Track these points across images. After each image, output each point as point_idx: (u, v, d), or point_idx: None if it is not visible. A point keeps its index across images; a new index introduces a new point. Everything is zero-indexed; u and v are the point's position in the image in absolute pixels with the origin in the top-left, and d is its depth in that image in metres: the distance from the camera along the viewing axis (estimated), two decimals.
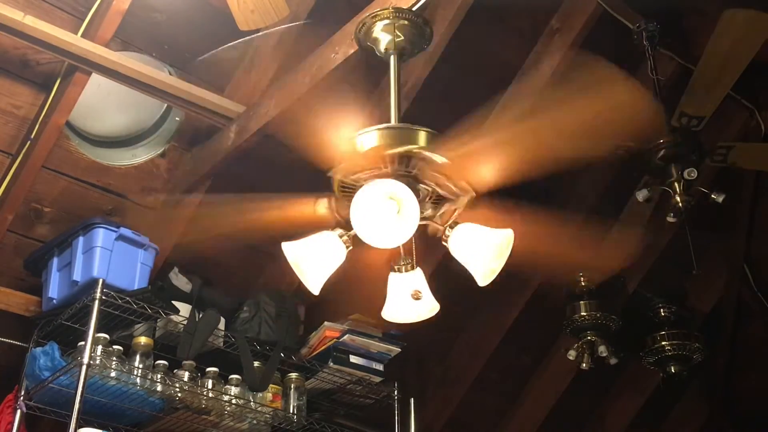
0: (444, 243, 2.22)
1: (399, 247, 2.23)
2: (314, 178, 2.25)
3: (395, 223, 2.07)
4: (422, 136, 2.16)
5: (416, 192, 2.13)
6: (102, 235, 3.04)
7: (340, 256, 2.23)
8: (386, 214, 2.06)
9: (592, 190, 4.02)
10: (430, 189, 2.19)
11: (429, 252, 2.32)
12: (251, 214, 2.33)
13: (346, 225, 2.19)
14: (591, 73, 2.00)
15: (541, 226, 2.29)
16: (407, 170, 2.15)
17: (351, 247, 2.24)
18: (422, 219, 2.17)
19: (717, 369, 4.77)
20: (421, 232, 2.22)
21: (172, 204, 3.41)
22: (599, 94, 1.97)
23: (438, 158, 2.14)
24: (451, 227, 2.21)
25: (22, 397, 2.99)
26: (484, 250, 2.17)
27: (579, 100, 1.99)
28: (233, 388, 3.19)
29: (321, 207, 2.27)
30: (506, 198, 2.23)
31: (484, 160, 2.14)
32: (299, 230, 2.26)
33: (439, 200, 2.23)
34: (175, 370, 3.10)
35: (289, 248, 2.25)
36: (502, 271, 2.18)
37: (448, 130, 2.15)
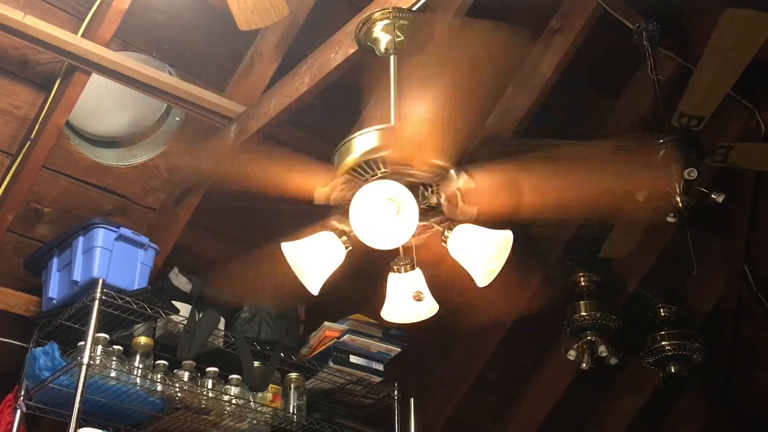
0: (443, 244, 2.22)
1: (398, 247, 2.24)
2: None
3: (395, 224, 2.07)
4: (386, 134, 2.18)
5: (414, 189, 2.14)
6: (102, 235, 3.04)
7: (339, 257, 2.24)
8: (386, 215, 2.06)
9: None
10: (436, 201, 2.21)
11: (428, 252, 2.32)
12: (278, 265, 2.33)
13: (342, 207, 2.20)
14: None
15: (556, 170, 2.28)
16: (383, 172, 2.16)
17: (350, 248, 2.24)
18: (427, 212, 2.19)
19: (717, 369, 4.77)
20: (421, 232, 2.23)
21: (172, 204, 3.41)
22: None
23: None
24: (450, 228, 2.21)
25: (22, 397, 2.99)
26: (483, 250, 2.17)
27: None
28: (233, 388, 3.19)
29: (335, 226, 2.27)
30: None
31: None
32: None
33: (437, 189, 2.24)
34: (175, 370, 3.10)
35: (288, 248, 2.25)
36: (502, 270, 2.18)
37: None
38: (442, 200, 2.22)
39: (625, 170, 2.32)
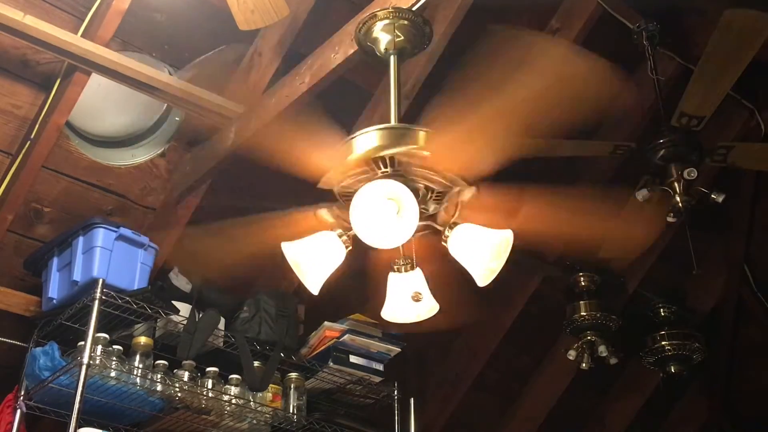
0: (443, 243, 2.22)
1: (399, 247, 2.23)
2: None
3: (395, 223, 2.07)
4: (421, 135, 2.16)
5: (416, 192, 2.13)
6: (102, 235, 3.04)
7: (339, 256, 2.23)
8: (386, 214, 2.06)
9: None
10: (422, 185, 2.18)
11: (428, 251, 2.32)
12: (253, 238, 2.32)
13: (350, 227, 2.19)
14: (539, 50, 2.03)
15: (552, 205, 2.29)
16: (395, 170, 2.15)
17: (350, 247, 2.24)
18: (423, 219, 2.17)
19: (717, 369, 4.77)
20: (421, 231, 2.22)
21: (172, 204, 3.41)
22: (548, 68, 1.98)
23: (418, 153, 2.13)
24: (451, 228, 2.21)
25: (22, 397, 2.99)
26: (483, 250, 2.17)
27: (530, 77, 1.98)
28: (233, 388, 3.19)
29: (323, 215, 2.27)
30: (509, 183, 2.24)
31: (463, 148, 2.13)
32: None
33: (440, 197, 2.23)
34: (175, 370, 3.10)
35: (288, 248, 2.25)
36: (502, 270, 2.18)
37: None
38: (441, 210, 2.21)
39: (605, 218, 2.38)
